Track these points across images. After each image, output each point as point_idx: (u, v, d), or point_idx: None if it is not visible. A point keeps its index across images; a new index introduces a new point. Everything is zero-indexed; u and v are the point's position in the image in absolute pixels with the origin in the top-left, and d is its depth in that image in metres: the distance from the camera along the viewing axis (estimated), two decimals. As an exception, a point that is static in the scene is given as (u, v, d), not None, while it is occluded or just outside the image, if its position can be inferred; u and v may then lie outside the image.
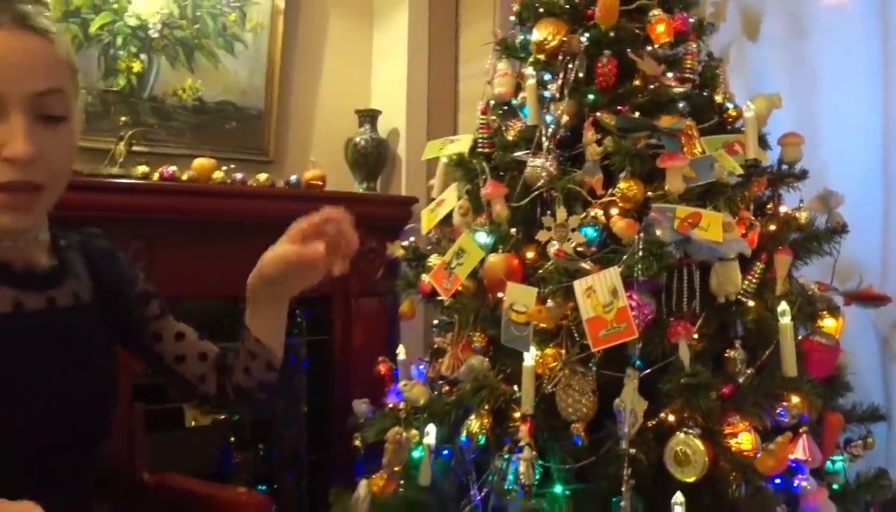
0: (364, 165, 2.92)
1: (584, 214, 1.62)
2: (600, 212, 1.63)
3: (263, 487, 2.77)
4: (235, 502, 1.56)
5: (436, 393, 1.85)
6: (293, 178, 2.66)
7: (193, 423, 2.76)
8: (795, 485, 1.57)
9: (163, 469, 1.70)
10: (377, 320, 2.84)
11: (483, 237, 1.77)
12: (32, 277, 1.04)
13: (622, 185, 1.57)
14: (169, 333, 1.20)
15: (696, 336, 1.56)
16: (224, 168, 2.55)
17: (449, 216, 1.93)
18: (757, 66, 2.46)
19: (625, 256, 1.48)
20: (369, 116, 2.95)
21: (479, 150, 1.88)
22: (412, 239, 2.09)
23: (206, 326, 1.29)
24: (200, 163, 2.52)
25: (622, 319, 1.40)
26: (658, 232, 1.43)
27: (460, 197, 1.89)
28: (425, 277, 1.89)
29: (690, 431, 1.46)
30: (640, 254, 1.43)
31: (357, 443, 1.97)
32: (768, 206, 1.90)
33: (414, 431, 1.69)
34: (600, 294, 1.42)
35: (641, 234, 1.48)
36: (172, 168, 2.47)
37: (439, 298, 1.84)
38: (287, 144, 2.99)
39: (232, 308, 2.80)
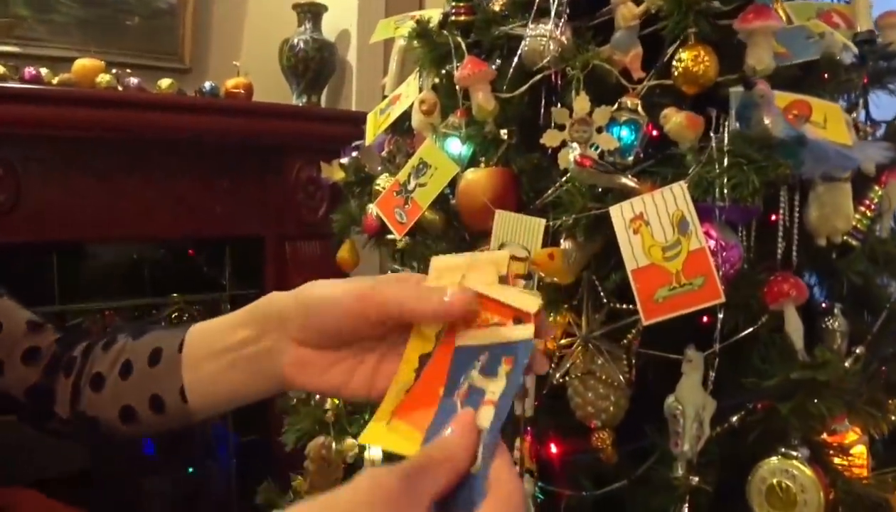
0: (303, 73, 2.30)
1: (615, 106, 1.03)
2: (639, 102, 1.03)
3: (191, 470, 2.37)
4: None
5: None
6: (207, 85, 2.06)
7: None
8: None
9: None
10: (318, 269, 2.27)
11: (456, 145, 1.16)
12: None
13: (686, 54, 0.97)
14: None
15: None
16: (115, 71, 1.98)
17: (407, 119, 1.31)
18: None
19: (693, 167, 0.89)
20: (311, 13, 2.33)
21: (453, 19, 1.26)
22: (355, 154, 1.47)
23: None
24: (82, 64, 1.97)
25: (698, 269, 0.81)
26: (766, 120, 0.83)
27: (422, 89, 1.27)
28: (371, 208, 1.28)
29: (794, 452, 0.90)
30: (726, 161, 0.84)
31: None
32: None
33: (350, 441, 1.11)
34: (657, 228, 0.83)
35: (727, 124, 0.88)
36: (44, 70, 1.90)
37: (391, 236, 1.23)
38: (208, 48, 2.40)
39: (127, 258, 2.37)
